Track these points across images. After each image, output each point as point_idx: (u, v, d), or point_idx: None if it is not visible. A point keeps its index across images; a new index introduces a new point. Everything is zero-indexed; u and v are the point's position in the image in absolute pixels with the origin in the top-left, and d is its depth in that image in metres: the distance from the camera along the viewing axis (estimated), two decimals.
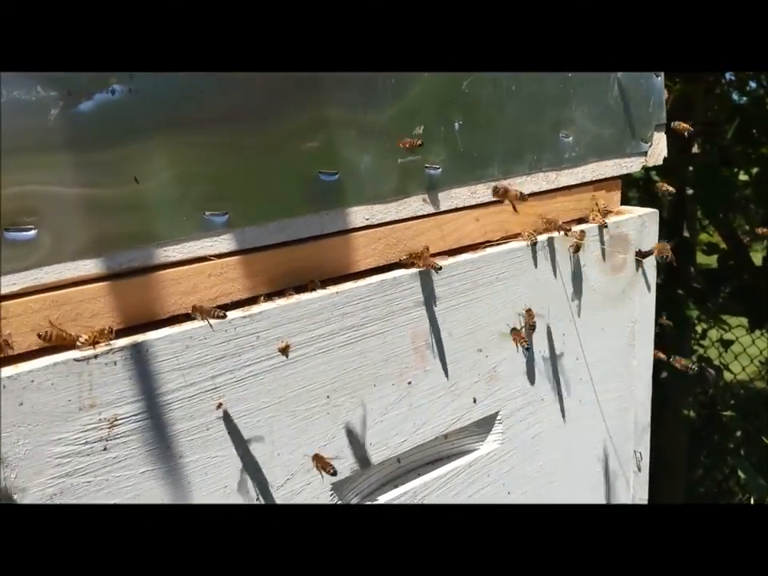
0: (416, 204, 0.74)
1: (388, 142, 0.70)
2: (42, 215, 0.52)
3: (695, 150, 3.22)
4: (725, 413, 3.16)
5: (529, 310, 0.79)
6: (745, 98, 3.29)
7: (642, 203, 3.07)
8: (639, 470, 0.99)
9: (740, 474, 1.85)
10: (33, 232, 0.52)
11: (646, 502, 1.01)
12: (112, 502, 0.54)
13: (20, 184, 0.51)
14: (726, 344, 4.36)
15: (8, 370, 0.49)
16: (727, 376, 4.44)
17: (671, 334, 3.53)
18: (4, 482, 0.49)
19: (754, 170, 3.34)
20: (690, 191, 3.07)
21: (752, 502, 1.76)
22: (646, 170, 2.89)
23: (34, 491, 0.50)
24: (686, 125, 1.02)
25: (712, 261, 3.99)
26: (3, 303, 0.51)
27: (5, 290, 0.51)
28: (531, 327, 0.79)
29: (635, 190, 2.74)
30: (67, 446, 0.51)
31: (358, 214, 0.69)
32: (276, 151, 0.63)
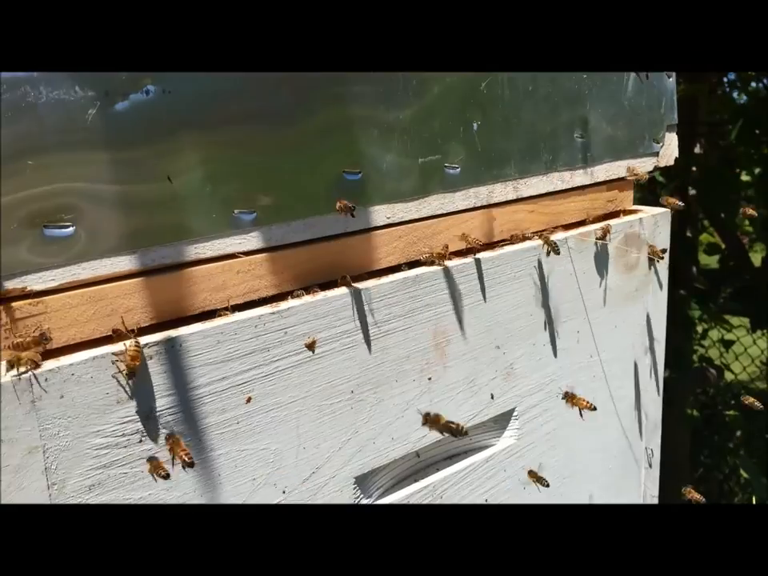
0: (435, 203, 0.75)
1: (409, 142, 0.72)
2: (79, 212, 0.53)
3: (698, 150, 3.24)
4: (728, 412, 3.17)
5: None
6: (746, 98, 3.31)
7: (644, 203, 3.09)
8: (650, 466, 1.00)
9: (742, 473, 1.87)
10: (71, 229, 0.53)
11: (656, 498, 1.02)
12: (147, 494, 0.55)
13: (58, 181, 0.52)
14: (727, 344, 4.38)
15: (49, 364, 0.50)
16: (728, 376, 4.46)
17: (674, 334, 3.54)
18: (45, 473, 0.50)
19: (757, 171, 3.35)
20: (692, 192, 3.09)
21: (754, 501, 1.78)
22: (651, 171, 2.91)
23: (73, 482, 0.52)
24: (676, 201, 0.95)
25: (713, 261, 4.01)
26: (43, 298, 0.52)
27: (44, 286, 0.53)
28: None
29: (638, 190, 2.74)
30: (105, 437, 0.53)
31: (380, 213, 0.71)
32: (301, 151, 0.64)
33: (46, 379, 0.50)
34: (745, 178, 3.56)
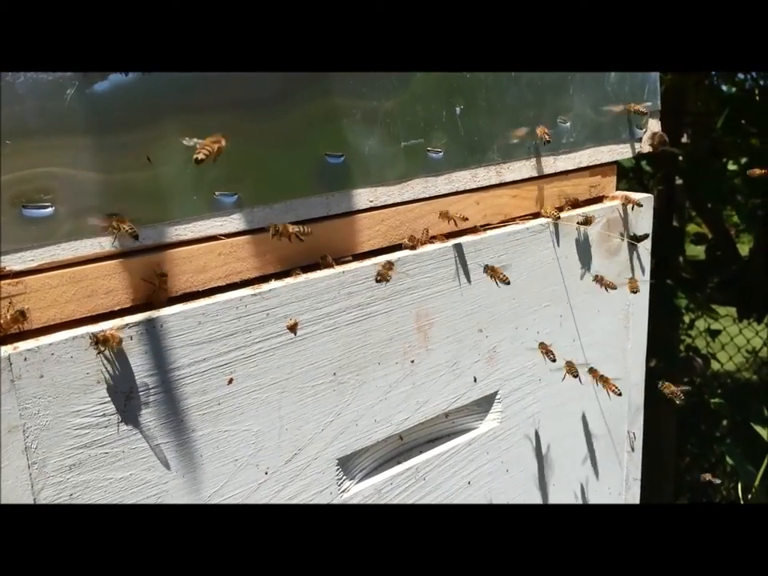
0: (418, 187, 0.75)
1: (392, 126, 0.72)
2: (58, 193, 0.53)
3: (685, 140, 3.25)
4: (713, 400, 3.20)
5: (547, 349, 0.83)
6: (734, 89, 3.32)
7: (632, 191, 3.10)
8: (633, 449, 1.01)
9: (728, 460, 1.88)
10: (50, 209, 0.53)
11: (638, 481, 1.03)
12: (128, 473, 0.56)
13: (37, 164, 0.52)
14: (714, 334, 4.41)
15: (29, 343, 0.50)
16: (714, 365, 4.49)
17: (660, 324, 3.57)
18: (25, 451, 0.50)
19: (743, 160, 3.37)
20: (679, 181, 3.10)
21: (739, 487, 1.79)
22: (637, 159, 2.92)
23: (53, 461, 0.52)
24: None
25: (700, 252, 4.03)
26: (23, 278, 0.52)
27: (23, 266, 0.52)
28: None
29: (625, 181, 2.76)
30: (86, 417, 0.53)
31: (363, 196, 0.71)
32: (284, 133, 0.64)
33: (26, 359, 0.50)
34: (732, 167, 3.58)
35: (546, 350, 0.82)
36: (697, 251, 4.19)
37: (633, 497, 1.04)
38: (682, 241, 3.43)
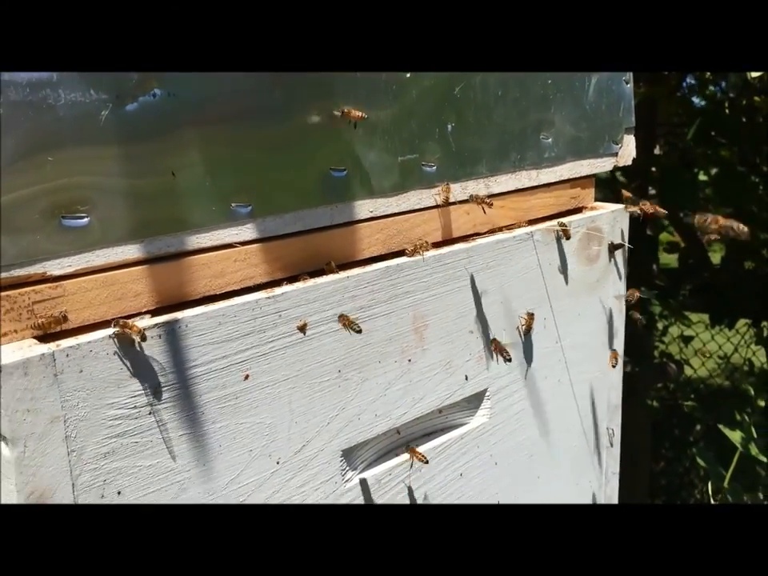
0: (414, 198, 0.81)
1: (389, 142, 0.78)
2: (93, 204, 0.58)
3: (657, 151, 3.36)
4: (686, 402, 3.29)
5: (531, 314, 0.88)
6: (704, 102, 3.42)
7: (607, 201, 3.19)
8: (612, 445, 1.08)
9: (700, 462, 1.95)
10: (86, 219, 0.58)
11: (617, 475, 1.10)
12: (156, 461, 0.61)
13: (75, 176, 0.57)
14: (687, 340, 4.51)
15: (70, 341, 0.55)
16: (688, 371, 4.59)
17: (635, 330, 3.65)
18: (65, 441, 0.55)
19: (713, 171, 3.48)
20: (652, 191, 3.20)
21: (709, 488, 1.85)
22: (612, 171, 3.01)
23: (90, 449, 0.57)
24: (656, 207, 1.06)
25: (673, 260, 4.13)
26: (61, 283, 0.57)
27: (62, 271, 0.57)
28: (527, 330, 0.88)
29: (598, 189, 2.84)
30: (119, 409, 0.58)
31: (364, 207, 0.77)
32: (293, 150, 0.70)
33: (67, 355, 0.55)
34: (702, 177, 3.68)
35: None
36: (670, 259, 4.29)
37: (612, 489, 1.10)
38: (655, 249, 3.52)
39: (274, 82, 0.68)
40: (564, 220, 0.94)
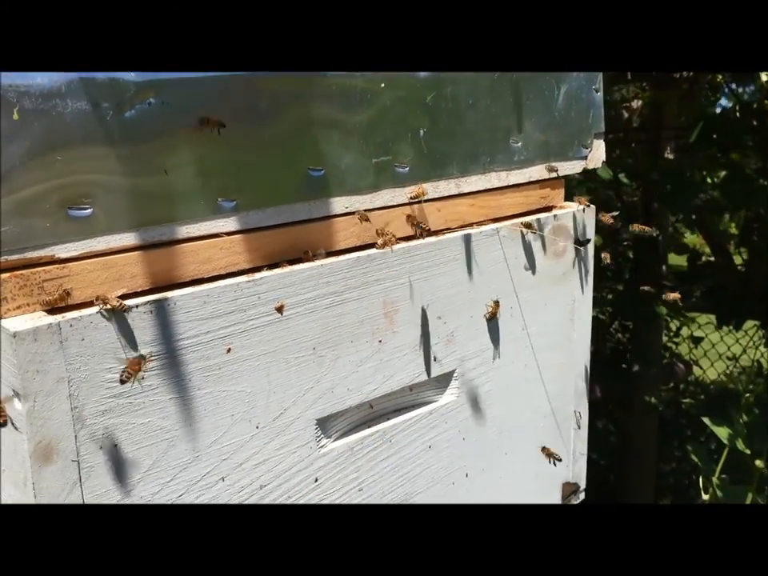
0: (387, 196, 0.90)
1: (364, 145, 0.87)
2: (95, 198, 0.68)
3: (668, 155, 3.41)
4: (685, 400, 3.34)
5: (496, 302, 0.97)
6: (730, 104, 3.45)
7: (609, 202, 3.24)
8: (579, 427, 1.16)
9: (693, 458, 2.01)
10: (89, 210, 0.68)
11: (585, 456, 1.18)
12: (147, 420, 0.70)
13: (80, 173, 0.67)
14: (696, 341, 4.55)
15: (73, 314, 0.65)
16: (697, 372, 4.63)
17: (642, 330, 3.72)
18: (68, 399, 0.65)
19: (722, 174, 3.52)
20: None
21: (701, 484, 1.91)
22: (615, 173, 3.07)
23: (89, 407, 0.66)
24: (609, 218, 1.13)
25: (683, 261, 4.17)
26: (67, 265, 0.67)
27: (68, 255, 0.67)
28: (492, 316, 0.97)
29: (602, 190, 2.90)
30: (115, 373, 0.67)
31: (339, 203, 0.86)
32: (274, 151, 0.79)
33: (71, 325, 0.65)
34: (710, 180, 3.73)
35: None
36: (681, 260, 4.33)
37: (579, 469, 1.18)
38: (661, 250, 3.55)
39: (257, 89, 0.77)
40: (529, 218, 1.02)
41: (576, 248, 1.09)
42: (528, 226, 1.01)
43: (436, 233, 0.95)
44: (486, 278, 0.98)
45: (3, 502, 0.70)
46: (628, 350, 3.90)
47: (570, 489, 1.17)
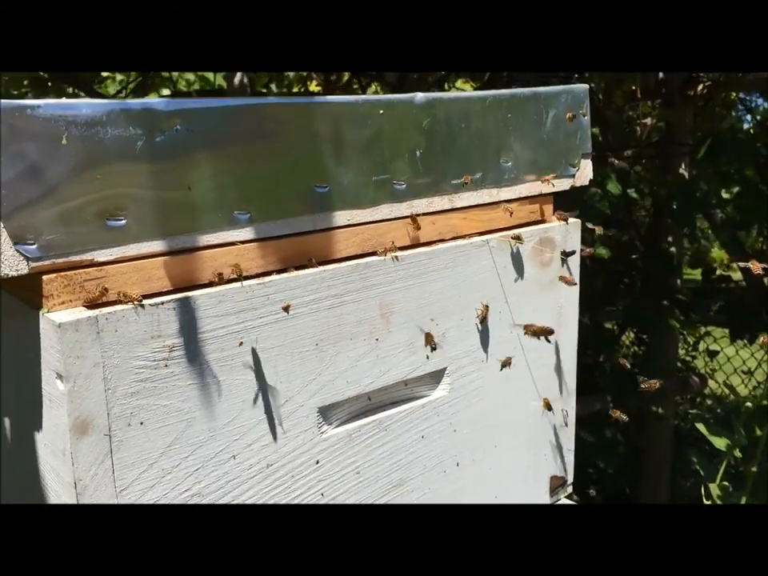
0: (385, 210, 1.01)
1: (365, 164, 0.97)
2: (129, 210, 0.79)
3: (683, 171, 3.48)
4: (691, 411, 3.39)
5: (486, 306, 1.07)
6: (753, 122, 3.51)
7: (616, 216, 3.32)
8: (566, 424, 1.25)
9: (696, 464, 2.08)
10: (123, 221, 0.79)
11: (572, 452, 1.27)
12: (169, 402, 0.81)
13: (116, 189, 0.78)
14: (712, 354, 4.58)
15: (108, 309, 0.76)
16: (713, 385, 4.66)
17: (656, 344, 3.78)
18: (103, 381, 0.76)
19: (735, 189, 3.58)
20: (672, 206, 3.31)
21: (702, 490, 1.98)
22: (625, 188, 3.15)
23: (120, 389, 0.78)
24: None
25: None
26: (104, 267, 0.79)
27: (105, 259, 0.79)
28: (483, 319, 1.07)
29: (607, 204, 2.98)
30: (143, 361, 0.79)
31: (342, 216, 0.97)
32: (284, 169, 0.90)
33: (107, 318, 0.76)
34: (725, 195, 3.79)
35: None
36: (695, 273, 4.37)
37: (567, 464, 1.27)
38: (674, 264, 3.61)
39: (268, 115, 0.88)
40: (518, 231, 1.12)
41: (562, 258, 1.18)
42: (517, 237, 1.11)
43: (430, 244, 1.05)
44: (476, 285, 1.08)
45: (43, 471, 0.82)
46: (644, 362, 3.96)
47: (557, 482, 1.26)
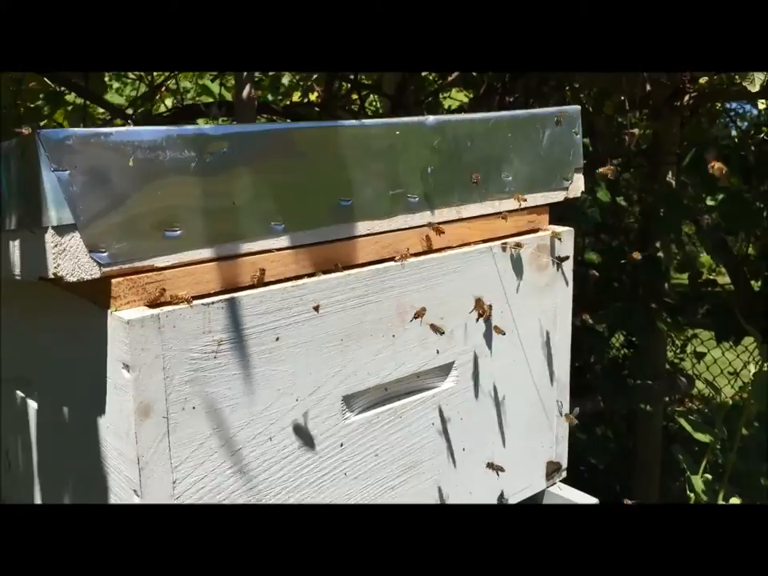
0: (401, 220, 1.13)
1: (383, 181, 1.10)
2: (184, 222, 0.91)
3: (671, 179, 3.62)
4: (678, 408, 3.52)
5: (489, 305, 1.19)
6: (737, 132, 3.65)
7: (605, 220, 3.45)
8: (561, 414, 1.38)
9: (679, 459, 2.20)
10: (179, 232, 0.91)
11: (566, 439, 1.39)
12: (217, 390, 0.93)
13: (173, 203, 0.90)
14: (699, 356, 4.72)
15: (168, 308, 0.88)
16: (699, 385, 4.79)
17: (644, 346, 3.90)
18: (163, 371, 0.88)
19: (720, 196, 3.72)
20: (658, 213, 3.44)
21: (687, 487, 2.10)
22: (613, 196, 3.28)
23: (177, 377, 0.89)
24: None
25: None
26: (162, 272, 0.91)
27: (163, 264, 0.90)
28: (487, 317, 1.19)
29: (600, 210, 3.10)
30: (196, 353, 0.90)
31: (362, 226, 1.09)
32: (313, 185, 1.02)
33: (167, 316, 0.88)
34: (710, 203, 3.93)
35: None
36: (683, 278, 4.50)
37: (562, 450, 1.40)
38: (662, 268, 3.73)
39: (301, 138, 1.00)
40: (518, 239, 1.25)
41: (557, 263, 1.31)
42: (517, 245, 1.24)
43: (440, 251, 1.18)
44: (480, 287, 1.20)
45: (104, 451, 0.93)
46: (633, 364, 4.09)
47: (552, 467, 1.38)
